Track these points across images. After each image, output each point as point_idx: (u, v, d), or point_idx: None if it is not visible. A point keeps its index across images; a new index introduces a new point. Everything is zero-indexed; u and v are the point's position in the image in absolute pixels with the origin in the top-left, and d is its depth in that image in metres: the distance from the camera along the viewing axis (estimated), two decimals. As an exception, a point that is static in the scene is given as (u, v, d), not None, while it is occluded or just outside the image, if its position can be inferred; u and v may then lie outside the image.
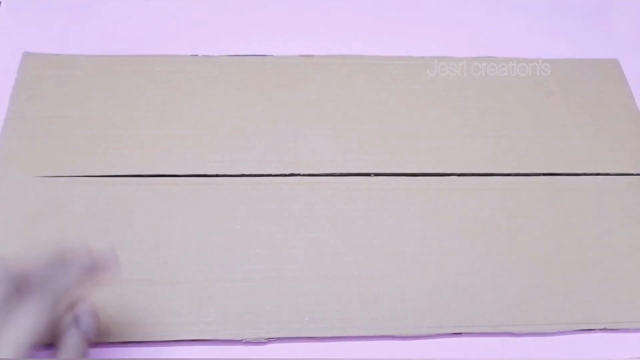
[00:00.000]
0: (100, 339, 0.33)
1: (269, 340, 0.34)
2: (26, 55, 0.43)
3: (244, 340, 0.34)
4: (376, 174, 0.40)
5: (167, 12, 0.48)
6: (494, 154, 0.42)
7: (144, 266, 0.36)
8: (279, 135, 0.41)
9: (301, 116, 0.42)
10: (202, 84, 0.43)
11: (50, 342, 0.26)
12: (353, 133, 0.42)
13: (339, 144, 0.41)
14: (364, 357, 0.35)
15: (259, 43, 0.46)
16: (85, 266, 0.27)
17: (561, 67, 0.47)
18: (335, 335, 0.35)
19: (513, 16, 0.51)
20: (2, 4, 0.46)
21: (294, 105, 0.43)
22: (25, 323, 0.24)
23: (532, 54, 0.47)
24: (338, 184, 0.40)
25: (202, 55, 0.44)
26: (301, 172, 0.40)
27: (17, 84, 0.42)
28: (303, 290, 0.36)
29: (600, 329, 0.36)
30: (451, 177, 0.41)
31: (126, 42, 0.45)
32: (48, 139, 0.40)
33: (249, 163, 0.40)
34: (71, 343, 0.27)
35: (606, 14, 0.52)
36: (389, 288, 0.36)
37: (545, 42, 0.49)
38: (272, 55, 0.45)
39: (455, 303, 0.36)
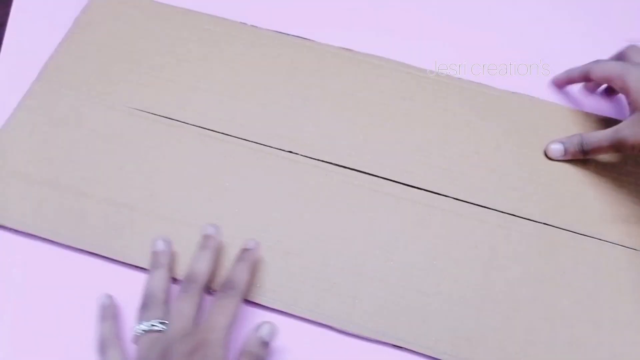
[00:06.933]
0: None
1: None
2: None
3: None
4: (369, 174, 0.41)
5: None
6: (495, 189, 0.41)
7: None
8: (293, 113, 0.43)
9: (320, 103, 0.43)
10: (240, 50, 0.45)
11: None
12: (363, 131, 0.42)
13: (346, 138, 0.42)
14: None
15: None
16: None
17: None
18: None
19: (515, 18, 0.50)
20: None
21: (316, 91, 0.44)
22: None
23: (534, 56, 0.47)
24: (333, 172, 0.41)
25: (250, 25, 0.47)
26: (301, 153, 0.41)
27: (84, 10, 0.46)
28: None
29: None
30: (447, 198, 0.40)
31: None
32: (93, 64, 0.44)
33: (258, 130, 0.42)
34: None
35: (608, 17, 0.50)
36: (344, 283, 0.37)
37: (548, 44, 0.49)
38: (313, 40, 0.47)
39: (405, 317, 0.36)
